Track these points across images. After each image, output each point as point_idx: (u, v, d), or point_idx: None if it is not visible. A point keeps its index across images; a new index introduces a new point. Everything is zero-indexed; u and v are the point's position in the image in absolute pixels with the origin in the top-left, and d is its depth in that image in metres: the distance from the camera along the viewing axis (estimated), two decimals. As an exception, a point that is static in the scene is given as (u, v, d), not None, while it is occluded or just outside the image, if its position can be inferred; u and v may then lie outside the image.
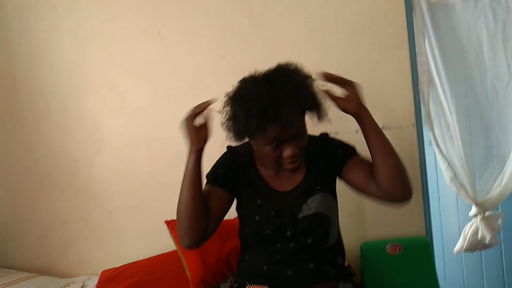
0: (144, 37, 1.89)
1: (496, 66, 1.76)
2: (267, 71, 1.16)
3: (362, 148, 1.74)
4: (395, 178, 1.09)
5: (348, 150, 1.28)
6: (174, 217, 1.70)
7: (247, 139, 1.19)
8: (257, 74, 1.16)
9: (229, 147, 1.31)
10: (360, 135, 1.74)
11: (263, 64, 1.79)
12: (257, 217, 1.21)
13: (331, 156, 1.24)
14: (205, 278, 1.47)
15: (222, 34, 1.86)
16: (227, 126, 1.14)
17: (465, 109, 1.76)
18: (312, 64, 1.77)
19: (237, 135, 1.14)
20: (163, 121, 1.90)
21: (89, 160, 1.95)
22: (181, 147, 1.89)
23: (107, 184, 1.94)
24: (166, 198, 1.90)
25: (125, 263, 1.76)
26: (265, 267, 1.22)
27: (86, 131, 1.94)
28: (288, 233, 1.20)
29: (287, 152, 1.12)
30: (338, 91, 1.16)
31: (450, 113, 1.74)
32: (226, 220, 1.67)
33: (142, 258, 1.78)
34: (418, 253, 1.70)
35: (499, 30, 1.74)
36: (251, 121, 1.06)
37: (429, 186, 1.90)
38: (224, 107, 1.15)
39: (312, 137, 1.26)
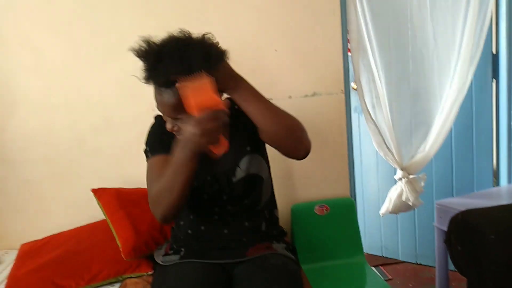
0: (62, -13, 1.70)
1: (424, 33, 1.86)
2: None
3: (293, 113, 1.80)
4: (285, 138, 1.08)
5: None
6: (101, 185, 1.66)
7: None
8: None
9: (157, 117, 1.25)
10: (293, 101, 1.82)
11: (196, 21, 1.72)
12: (195, 183, 1.20)
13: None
14: (137, 246, 1.43)
15: (152, -9, 1.73)
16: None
17: (394, 76, 1.85)
18: (247, 24, 1.76)
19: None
20: (86, 82, 1.75)
21: (1, 124, 1.75)
22: (107, 111, 1.80)
23: (24, 151, 1.77)
24: (92, 165, 1.81)
25: (47, 235, 1.65)
26: (202, 227, 1.25)
27: (-5, 92, 1.74)
28: (225, 197, 1.22)
29: (167, 125, 1.12)
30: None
31: (380, 80, 1.82)
32: (158, 187, 1.64)
33: (66, 229, 1.67)
34: (344, 212, 1.82)
35: None
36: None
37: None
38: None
39: None
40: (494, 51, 2.03)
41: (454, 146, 2.15)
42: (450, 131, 2.07)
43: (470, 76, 1.86)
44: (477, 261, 1.22)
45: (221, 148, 1.00)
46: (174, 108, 1.04)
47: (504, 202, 1.69)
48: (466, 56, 1.83)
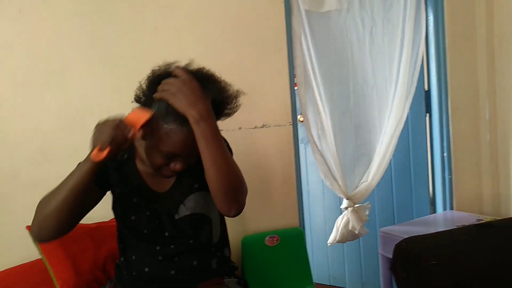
0: (0, 11, 1.61)
1: (364, 70, 1.99)
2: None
3: (244, 144, 1.81)
4: (222, 194, 1.02)
5: None
6: (37, 222, 1.53)
7: None
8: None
9: None
10: (243, 132, 1.83)
11: (143, 55, 1.71)
12: (132, 217, 1.16)
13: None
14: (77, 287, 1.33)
15: (96, 18, 1.69)
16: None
17: (337, 110, 1.94)
18: (195, 58, 1.77)
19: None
20: (23, 111, 1.65)
21: None
22: (45, 140, 1.69)
23: None
24: (26, 200, 1.64)
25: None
26: (147, 269, 1.18)
27: None
28: (167, 234, 1.17)
29: (177, 166, 1.06)
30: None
31: (325, 113, 1.90)
32: (101, 223, 1.56)
33: (-4, 272, 1.51)
34: (293, 242, 1.83)
35: (366, 37, 1.96)
36: (169, 122, 0.99)
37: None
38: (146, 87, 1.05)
39: None
40: (426, 88, 2.21)
41: (393, 176, 2.27)
42: (390, 162, 2.19)
43: (406, 111, 2.00)
44: (422, 286, 1.27)
45: (98, 155, 0.94)
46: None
47: (441, 228, 1.80)
48: (402, 92, 1.97)
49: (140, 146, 1.15)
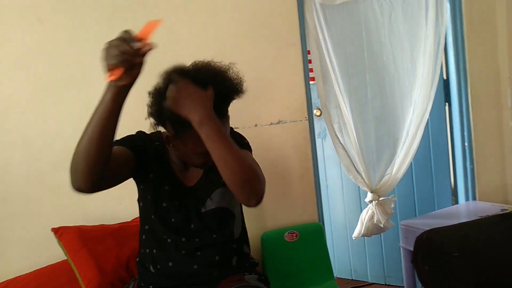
0: (19, 21, 1.66)
1: (383, 58, 1.93)
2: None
3: (260, 141, 1.82)
4: (238, 187, 1.01)
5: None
6: (62, 224, 1.58)
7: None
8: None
9: (141, 131, 1.22)
10: (259, 129, 1.84)
11: (159, 56, 1.73)
12: (164, 204, 1.19)
13: None
14: (102, 287, 1.36)
15: (112, 21, 1.72)
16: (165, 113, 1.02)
17: (358, 101, 1.90)
18: (211, 56, 1.78)
19: (175, 126, 1.05)
20: (45, 116, 1.70)
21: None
22: (68, 144, 1.71)
23: (-24, 190, 1.67)
24: (52, 203, 1.72)
25: (4, 280, 1.54)
26: (170, 264, 1.20)
27: None
28: (192, 226, 1.20)
29: None
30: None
31: (345, 105, 1.87)
32: (124, 223, 1.60)
33: (25, 272, 1.57)
34: (313, 237, 1.83)
35: (385, 24, 1.91)
36: None
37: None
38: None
39: None
40: (444, 77, 2.16)
41: (414, 168, 2.23)
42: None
43: (431, 100, 1.93)
44: (444, 279, 1.26)
45: (112, 75, 0.88)
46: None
47: (463, 219, 1.77)
48: (427, 81, 1.91)
49: (173, 152, 1.18)
